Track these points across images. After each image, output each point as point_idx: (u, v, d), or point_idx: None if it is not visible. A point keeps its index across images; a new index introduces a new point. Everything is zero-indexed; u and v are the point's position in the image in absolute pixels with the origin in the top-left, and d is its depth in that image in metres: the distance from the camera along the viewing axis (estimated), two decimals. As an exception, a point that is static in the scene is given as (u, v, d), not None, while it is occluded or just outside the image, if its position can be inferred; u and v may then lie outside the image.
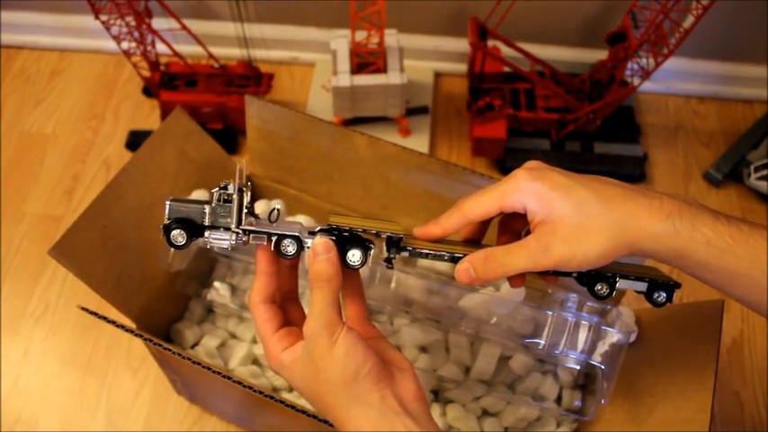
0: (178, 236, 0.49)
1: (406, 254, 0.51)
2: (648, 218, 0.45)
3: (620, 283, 0.52)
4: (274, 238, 0.49)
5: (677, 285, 0.53)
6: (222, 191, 0.49)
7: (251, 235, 0.49)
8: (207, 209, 0.49)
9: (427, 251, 0.51)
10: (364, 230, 0.50)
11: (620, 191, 0.47)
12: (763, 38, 1.16)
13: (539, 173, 0.48)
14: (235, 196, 0.49)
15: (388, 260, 0.51)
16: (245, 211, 0.49)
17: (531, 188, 0.47)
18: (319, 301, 0.47)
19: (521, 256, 0.47)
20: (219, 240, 0.49)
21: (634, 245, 0.45)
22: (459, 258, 0.50)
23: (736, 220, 0.45)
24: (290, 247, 0.50)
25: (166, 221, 0.49)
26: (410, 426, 0.45)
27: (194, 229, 0.49)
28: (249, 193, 0.50)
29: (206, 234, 0.49)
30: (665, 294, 0.53)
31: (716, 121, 1.24)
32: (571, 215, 0.46)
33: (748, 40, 1.18)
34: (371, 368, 0.46)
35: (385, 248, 0.51)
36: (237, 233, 0.49)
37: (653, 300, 0.53)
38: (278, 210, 0.51)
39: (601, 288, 0.52)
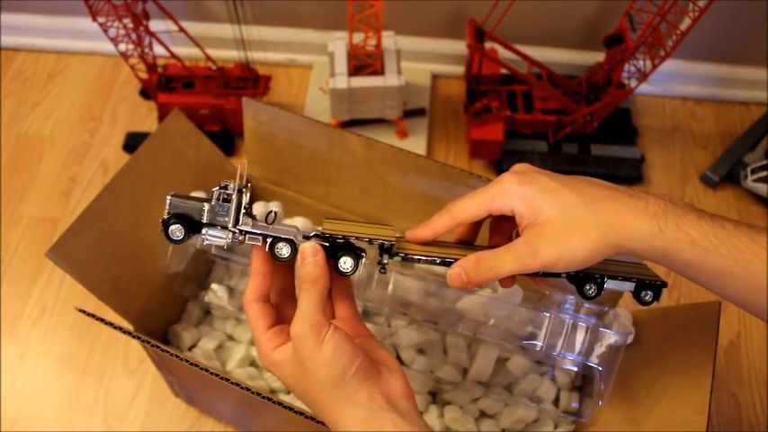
0: (176, 230, 0.49)
1: (398, 259, 0.52)
2: (634, 219, 0.46)
3: (608, 284, 0.53)
4: (269, 240, 0.50)
5: (664, 285, 0.54)
6: (222, 190, 0.49)
7: (247, 235, 0.50)
8: (206, 206, 0.49)
9: (419, 256, 0.52)
10: (357, 237, 0.51)
11: (606, 192, 0.48)
12: (760, 40, 1.16)
13: (526, 176, 0.50)
14: (234, 196, 0.49)
15: (382, 266, 0.52)
16: (243, 211, 0.50)
17: (518, 192, 0.49)
18: (305, 302, 0.48)
19: (509, 259, 0.48)
20: (216, 238, 0.50)
21: (620, 245, 0.46)
22: (451, 263, 0.51)
23: (721, 219, 0.46)
24: (284, 250, 0.50)
25: (165, 216, 0.50)
26: (398, 422, 0.46)
27: (192, 225, 0.50)
28: (249, 195, 0.50)
29: (203, 231, 0.50)
30: (651, 293, 0.54)
31: (713, 123, 1.24)
32: (557, 218, 0.47)
33: (745, 43, 1.18)
34: (359, 367, 0.47)
35: (378, 254, 0.52)
36: (234, 233, 0.50)
37: (640, 299, 0.54)
38: (275, 212, 0.51)
39: (589, 288, 0.53)
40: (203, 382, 0.74)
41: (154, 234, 0.73)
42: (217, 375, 0.59)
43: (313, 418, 0.55)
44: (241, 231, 0.50)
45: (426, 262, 0.52)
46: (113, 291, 0.70)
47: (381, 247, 0.51)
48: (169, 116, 0.76)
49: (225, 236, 0.50)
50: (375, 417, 0.46)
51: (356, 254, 0.51)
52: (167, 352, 0.62)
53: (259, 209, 0.82)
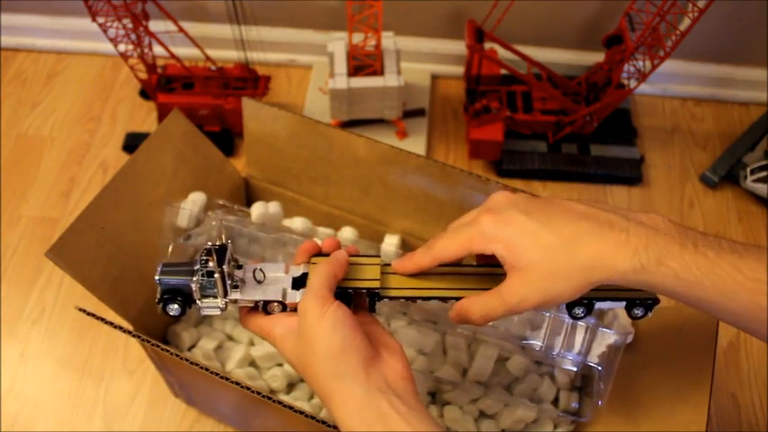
0: (173, 309, 0.55)
1: (386, 300, 0.54)
2: (615, 256, 0.46)
3: (598, 305, 0.55)
4: (261, 304, 0.54)
5: (655, 302, 0.55)
6: (204, 266, 0.52)
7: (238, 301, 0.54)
8: (194, 286, 0.53)
9: (402, 297, 0.55)
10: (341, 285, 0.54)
11: (586, 227, 0.48)
12: (759, 40, 1.16)
13: (502, 216, 0.50)
14: (216, 274, 0.52)
15: (371, 306, 0.55)
16: (228, 282, 0.53)
17: (496, 236, 0.49)
18: (316, 279, 0.51)
19: (497, 307, 0.50)
20: (210, 309, 0.54)
21: (603, 281, 0.47)
22: (432, 299, 0.55)
23: (704, 245, 0.46)
24: (276, 309, 0.54)
25: (158, 296, 0.54)
26: (396, 403, 0.47)
27: (186, 297, 0.54)
28: (231, 263, 0.54)
29: (199, 304, 0.54)
30: (642, 309, 0.55)
31: (712, 123, 1.24)
32: (539, 263, 0.48)
33: (745, 43, 1.18)
34: (358, 345, 0.48)
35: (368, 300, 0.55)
36: (226, 302, 0.54)
37: (631, 315, 0.55)
38: (261, 270, 0.55)
39: (578, 311, 0.55)
40: (203, 381, 0.74)
41: (154, 234, 0.74)
42: (217, 374, 0.59)
43: (313, 417, 0.55)
44: (232, 301, 0.54)
45: (411, 299, 0.55)
46: (113, 291, 0.70)
47: (369, 294, 0.54)
48: (169, 116, 0.76)
49: (219, 304, 0.54)
50: (372, 396, 0.47)
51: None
52: (167, 351, 0.62)
53: (258, 210, 0.82)
